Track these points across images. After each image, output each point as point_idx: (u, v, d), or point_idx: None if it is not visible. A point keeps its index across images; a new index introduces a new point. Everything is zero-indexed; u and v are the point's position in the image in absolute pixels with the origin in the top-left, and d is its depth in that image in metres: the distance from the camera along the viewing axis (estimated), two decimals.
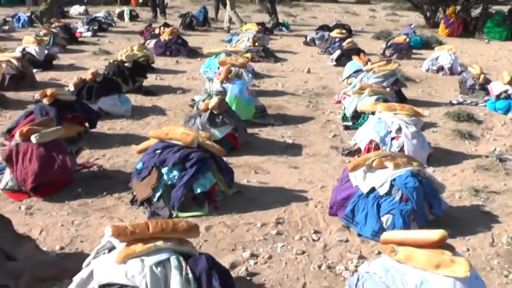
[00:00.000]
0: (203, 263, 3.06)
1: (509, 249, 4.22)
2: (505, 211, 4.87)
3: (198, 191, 4.49)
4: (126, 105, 7.19)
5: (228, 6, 16.02)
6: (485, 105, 8.39)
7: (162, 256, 3.02)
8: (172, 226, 3.15)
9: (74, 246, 3.99)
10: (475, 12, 18.58)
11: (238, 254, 3.97)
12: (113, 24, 15.55)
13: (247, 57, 9.63)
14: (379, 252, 3.83)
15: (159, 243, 3.06)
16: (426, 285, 2.79)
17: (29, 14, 15.10)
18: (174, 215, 4.38)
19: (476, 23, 17.41)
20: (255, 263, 3.86)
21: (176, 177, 4.48)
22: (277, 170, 5.58)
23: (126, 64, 8.37)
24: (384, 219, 4.19)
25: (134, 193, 4.67)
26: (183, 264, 3.02)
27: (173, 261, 3.01)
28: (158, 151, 4.62)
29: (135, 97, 7.80)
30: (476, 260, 3.98)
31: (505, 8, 18.52)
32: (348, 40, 11.77)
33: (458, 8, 18.00)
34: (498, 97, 8.29)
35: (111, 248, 3.15)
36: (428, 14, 19.23)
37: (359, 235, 4.25)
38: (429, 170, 5.37)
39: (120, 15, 17.03)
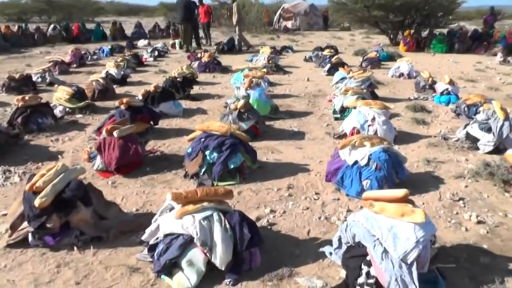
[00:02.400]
0: (236, 217, 3.09)
1: (451, 202, 4.19)
2: (448, 175, 4.81)
3: (232, 166, 4.50)
4: (179, 108, 7.19)
5: (237, 31, 16.39)
6: (433, 100, 8.25)
7: (208, 213, 3.05)
8: (214, 191, 3.18)
9: (145, 208, 4.03)
10: (424, 33, 18.26)
11: (261, 210, 3.99)
12: (168, 52, 15.55)
13: (264, 71, 9.51)
14: (361, 207, 3.79)
15: (205, 203, 3.10)
16: (395, 228, 2.76)
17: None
18: (215, 184, 4.38)
19: (425, 41, 17.09)
20: (274, 216, 3.88)
21: (216, 157, 4.49)
22: (288, 150, 5.53)
23: (178, 79, 8.38)
24: (364, 183, 4.16)
25: (186, 170, 4.69)
26: (223, 218, 3.06)
27: (215, 216, 3.05)
28: (202, 139, 4.63)
29: (185, 102, 7.80)
30: (429, 211, 3.95)
31: (445, 30, 18.17)
32: (335, 57, 11.60)
33: (413, 31, 17.67)
34: (442, 93, 8.18)
35: (171, 209, 3.19)
36: (391, 36, 18.95)
37: (347, 195, 4.23)
38: (395, 147, 5.28)
39: (173, 45, 17.05)
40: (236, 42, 16.36)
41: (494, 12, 19.06)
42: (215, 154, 4.50)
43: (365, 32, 24.95)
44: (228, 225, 3.01)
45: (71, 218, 3.35)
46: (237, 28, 16.47)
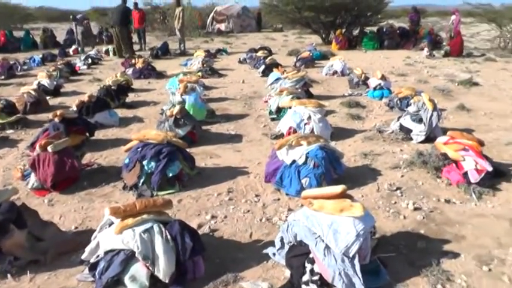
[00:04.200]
0: (177, 226, 3.01)
1: (389, 192, 4.31)
2: (384, 166, 4.96)
3: (170, 174, 4.40)
4: (115, 117, 6.96)
5: (180, 36, 16.33)
6: (367, 95, 8.51)
7: (148, 225, 2.95)
8: (153, 202, 3.09)
9: (84, 225, 3.84)
10: (355, 32, 18.87)
11: (202, 217, 3.92)
12: (102, 59, 15.04)
13: (199, 75, 9.48)
14: (302, 205, 3.83)
15: (145, 216, 3.00)
16: (335, 224, 2.80)
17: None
18: (154, 194, 4.27)
19: (356, 39, 17.68)
20: (215, 222, 3.82)
21: (154, 167, 4.37)
22: (226, 154, 5.49)
23: (112, 87, 8.12)
24: (303, 181, 4.18)
25: (125, 181, 4.53)
26: (163, 229, 2.97)
27: (156, 227, 2.95)
28: (139, 149, 4.50)
29: (121, 111, 7.55)
30: (368, 202, 4.05)
31: (375, 28, 18.89)
32: (269, 57, 11.74)
33: (344, 30, 18.25)
34: (375, 88, 8.46)
35: (111, 224, 3.05)
36: (323, 35, 19.43)
37: (287, 194, 4.24)
38: (332, 143, 5.37)
39: (106, 52, 16.49)
40: (180, 46, 16.38)
41: (418, 11, 20.03)
42: (153, 163, 4.38)
43: (298, 33, 25.39)
44: (169, 236, 2.93)
45: (3, 244, 3.12)
46: (179, 33, 16.36)
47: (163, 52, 15.46)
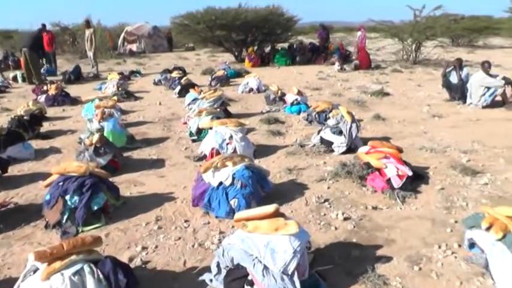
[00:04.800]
0: (108, 264, 2.86)
1: (318, 205, 4.40)
2: (310, 180, 5.06)
3: (95, 208, 4.16)
4: (30, 150, 6.46)
5: (92, 58, 15.80)
6: (285, 111, 8.70)
7: (77, 266, 2.77)
8: (81, 241, 2.90)
9: (2, 273, 3.46)
10: (267, 49, 19.38)
11: (133, 249, 3.73)
12: (9, 86, 13.98)
13: (115, 100, 9.14)
14: (233, 226, 3.81)
15: (73, 257, 2.81)
16: (271, 244, 2.80)
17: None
18: (80, 231, 4.00)
19: (268, 56, 18.14)
20: (146, 254, 3.65)
21: (77, 201, 4.11)
22: (150, 181, 5.31)
23: (25, 117, 7.57)
24: (231, 202, 4.14)
25: (47, 219, 4.18)
26: (94, 269, 2.81)
27: (86, 268, 2.78)
28: (60, 183, 4.21)
29: (36, 142, 7.04)
30: (298, 217, 4.10)
31: (286, 45, 19.52)
32: (184, 78, 11.67)
33: (256, 47, 18.67)
34: (292, 104, 8.70)
35: (36, 270, 2.80)
36: (236, 53, 19.72)
37: (216, 217, 4.17)
38: (257, 162, 5.42)
39: (14, 78, 15.29)
40: (93, 70, 15.78)
41: (326, 27, 21.07)
42: (76, 197, 4.12)
43: (210, 51, 25.59)
44: (101, 275, 2.77)
45: None
46: (92, 55, 15.78)
47: (76, 76, 14.74)
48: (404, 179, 4.64)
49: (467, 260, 3.33)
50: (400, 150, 5.24)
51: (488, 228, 3.18)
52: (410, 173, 4.71)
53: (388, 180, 4.65)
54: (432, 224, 3.98)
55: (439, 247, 3.57)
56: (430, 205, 4.39)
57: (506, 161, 5.67)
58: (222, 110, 7.82)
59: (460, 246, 3.56)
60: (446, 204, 4.39)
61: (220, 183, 4.28)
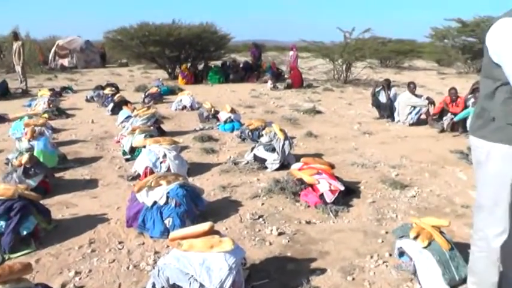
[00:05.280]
0: None
1: (252, 221, 4.46)
2: (244, 197, 5.12)
3: (24, 232, 3.92)
4: None
5: (20, 72, 15.02)
6: (218, 128, 8.76)
7: None
8: (9, 270, 2.71)
9: None
10: (200, 66, 19.40)
11: (65, 275, 3.57)
12: None
13: (46, 117, 8.81)
14: (168, 246, 3.78)
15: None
16: (207, 262, 2.83)
17: None
18: (7, 258, 3.77)
19: (202, 73, 18.17)
20: (80, 279, 3.51)
21: (4, 226, 3.86)
22: (83, 202, 5.13)
23: None
24: (166, 221, 4.11)
25: None
26: None
27: None
28: None
29: None
30: (233, 234, 4.13)
31: (219, 63, 19.66)
32: (118, 95, 11.42)
33: (189, 64, 18.65)
34: (225, 121, 8.78)
35: None
36: (169, 70, 19.55)
37: (151, 237, 4.11)
38: (191, 180, 5.42)
39: None
40: (22, 85, 14.93)
41: (258, 46, 21.49)
42: (2, 222, 3.87)
43: (143, 68, 25.18)
44: None
45: None
46: (20, 70, 14.96)
47: (3, 92, 13.93)
48: (336, 194, 4.82)
49: (397, 268, 3.53)
50: (332, 166, 5.46)
51: (415, 238, 3.41)
52: (342, 188, 4.92)
53: (321, 195, 4.82)
54: (364, 236, 4.17)
55: (371, 257, 3.74)
56: (362, 218, 4.59)
57: (430, 174, 6.07)
58: (156, 128, 7.76)
59: (390, 255, 3.76)
60: (377, 217, 4.62)
61: (155, 202, 4.24)
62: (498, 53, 2.58)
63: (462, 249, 3.35)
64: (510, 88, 2.56)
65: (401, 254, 3.56)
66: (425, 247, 3.32)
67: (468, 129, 3.04)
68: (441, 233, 3.48)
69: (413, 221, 3.65)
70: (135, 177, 5.71)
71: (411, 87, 9.80)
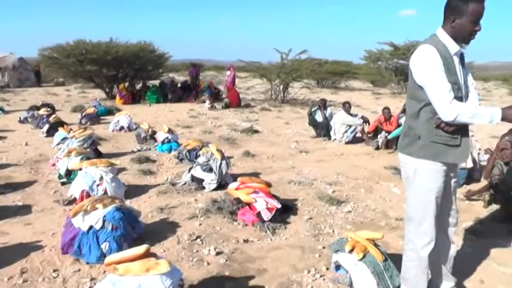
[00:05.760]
0: None
1: (190, 242, 4.47)
2: (182, 218, 5.11)
3: None
4: None
5: None
6: (156, 149, 8.67)
7: None
8: None
9: None
10: (138, 86, 19.12)
11: None
12: None
13: None
14: (104, 271, 3.70)
15: None
16: (143, 285, 2.83)
17: None
18: None
19: (140, 93, 17.89)
20: None
21: None
22: (14, 229, 4.87)
23: None
24: (102, 246, 4.03)
25: None
26: None
27: None
28: None
29: None
30: (171, 256, 4.13)
31: (157, 82, 19.45)
32: (53, 115, 11.01)
33: (127, 84, 18.32)
34: (163, 142, 8.73)
35: None
36: (107, 89, 19.09)
37: (87, 263, 3.99)
38: (128, 202, 5.36)
39: None
40: None
41: (196, 65, 21.54)
42: None
43: (80, 87, 24.30)
44: None
45: None
46: None
47: None
48: (273, 212, 4.92)
49: (334, 281, 3.66)
50: (269, 185, 5.59)
51: (351, 251, 3.56)
52: (279, 206, 5.03)
53: (258, 214, 4.91)
54: (302, 251, 4.29)
55: (309, 272, 3.86)
56: (300, 234, 4.72)
57: (366, 190, 6.35)
58: (93, 150, 7.58)
59: (327, 269, 3.89)
60: (315, 232, 4.76)
61: (91, 227, 4.15)
62: (420, 77, 2.82)
63: (396, 259, 3.52)
64: (433, 108, 2.81)
65: (338, 267, 3.71)
66: (360, 259, 3.48)
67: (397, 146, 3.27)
68: (375, 245, 3.67)
69: (349, 235, 3.82)
70: (71, 202, 5.53)
71: (346, 106, 10.23)
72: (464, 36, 2.83)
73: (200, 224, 4.92)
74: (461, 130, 2.86)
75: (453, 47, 2.85)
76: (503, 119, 2.72)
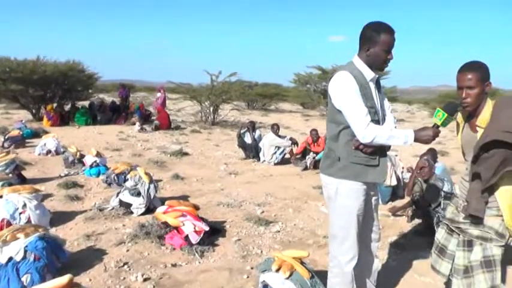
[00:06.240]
0: None
1: (117, 269, 4.36)
2: (109, 244, 4.97)
3: None
4: None
5: None
6: (84, 173, 8.38)
7: None
8: None
9: None
10: (67, 107, 18.35)
11: None
12: None
13: None
14: None
15: None
16: None
17: None
18: None
19: (69, 115, 17.18)
20: None
21: None
22: None
23: None
24: (23, 279, 3.81)
25: None
26: None
27: None
28: None
29: None
30: (97, 285, 4.04)
31: (86, 103, 18.84)
32: None
33: (55, 105, 17.52)
34: (91, 166, 8.42)
35: None
36: (34, 111, 18.09)
37: None
38: (53, 230, 5.16)
39: None
40: None
41: (125, 86, 21.14)
42: None
43: (4, 108, 22.87)
44: None
45: None
46: None
47: None
48: (201, 234, 4.92)
49: None
50: (197, 208, 5.61)
51: (277, 270, 3.60)
52: (207, 228, 5.03)
53: (186, 237, 4.89)
54: (230, 273, 4.31)
55: None
56: (228, 256, 4.74)
57: (294, 210, 6.51)
58: (16, 175, 7.21)
59: None
60: (243, 253, 4.80)
61: (10, 258, 3.93)
62: (338, 102, 2.98)
63: (324, 276, 3.57)
64: (351, 131, 2.97)
65: (265, 286, 3.74)
66: (287, 278, 3.52)
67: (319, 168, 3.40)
68: (302, 263, 3.76)
69: (275, 255, 3.88)
70: None
71: (275, 128, 10.47)
72: (378, 64, 3.04)
73: (128, 250, 4.82)
74: (379, 151, 3.04)
75: (369, 73, 3.04)
76: (416, 140, 2.95)
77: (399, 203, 6.89)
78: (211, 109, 18.29)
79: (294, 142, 10.44)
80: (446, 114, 2.88)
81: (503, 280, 2.77)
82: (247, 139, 10.71)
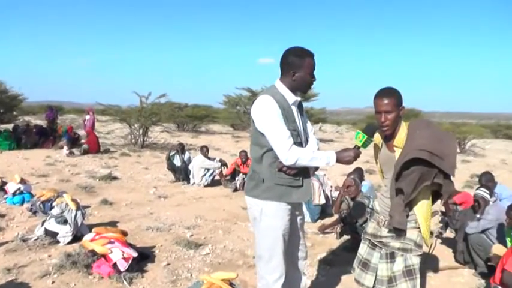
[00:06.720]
0: None
1: None
2: (33, 277, 4.64)
3: None
4: None
5: None
6: (6, 202, 7.77)
7: None
8: None
9: None
10: None
11: None
12: None
13: None
14: None
15: None
16: None
17: None
18: None
19: None
20: None
21: None
22: None
23: None
24: None
25: None
26: None
27: None
28: None
29: None
30: None
31: (10, 126, 17.71)
32: None
33: None
34: (14, 194, 7.87)
35: None
36: None
37: None
38: None
39: None
40: None
41: (53, 108, 20.15)
42: None
43: None
44: None
45: None
46: None
47: None
48: (130, 261, 4.76)
49: None
50: (125, 234, 5.42)
51: None
52: (135, 254, 4.88)
53: (114, 265, 4.70)
54: None
55: None
56: (157, 281, 4.61)
57: (224, 231, 6.47)
58: None
59: None
60: (172, 278, 4.69)
61: None
62: (261, 125, 3.01)
63: None
64: (275, 153, 3.01)
65: None
66: None
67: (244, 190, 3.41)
68: (231, 284, 3.74)
69: (204, 278, 3.84)
70: None
71: (204, 150, 10.43)
72: (304, 87, 3.15)
73: (53, 282, 4.53)
74: (302, 172, 3.11)
75: (291, 97, 3.12)
76: (338, 160, 3.06)
77: (328, 220, 7.07)
78: (141, 131, 17.76)
79: (224, 164, 10.45)
80: (366, 136, 3.02)
81: (423, 286, 2.95)
82: (177, 161, 10.58)
